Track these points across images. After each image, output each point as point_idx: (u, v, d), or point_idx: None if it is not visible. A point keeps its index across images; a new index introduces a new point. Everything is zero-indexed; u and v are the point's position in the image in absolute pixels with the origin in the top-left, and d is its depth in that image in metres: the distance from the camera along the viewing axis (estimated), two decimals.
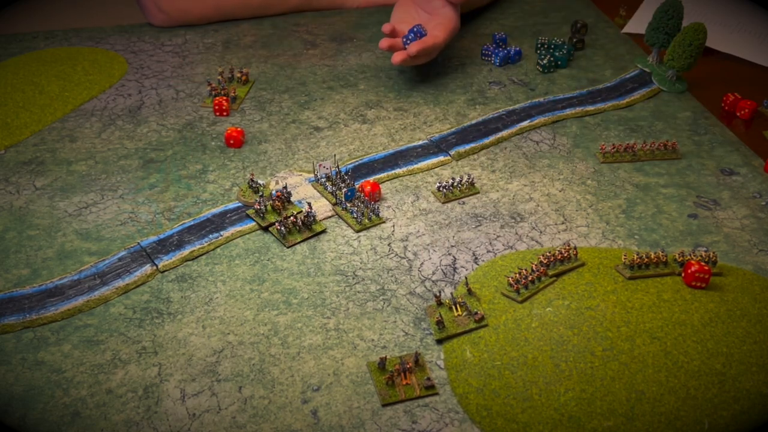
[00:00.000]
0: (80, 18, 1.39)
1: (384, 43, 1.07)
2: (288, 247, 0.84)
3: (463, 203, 0.91)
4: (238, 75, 1.12)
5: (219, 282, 0.80)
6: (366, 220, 0.87)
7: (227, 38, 1.25)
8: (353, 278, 0.80)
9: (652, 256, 0.79)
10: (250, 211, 0.88)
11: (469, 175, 0.93)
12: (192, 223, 0.87)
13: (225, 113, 1.06)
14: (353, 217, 0.87)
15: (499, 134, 1.02)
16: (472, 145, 1.00)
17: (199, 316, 0.76)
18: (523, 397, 0.67)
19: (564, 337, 0.72)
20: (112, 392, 0.68)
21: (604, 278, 0.78)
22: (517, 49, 1.20)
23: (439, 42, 1.07)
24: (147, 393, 0.68)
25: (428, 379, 0.69)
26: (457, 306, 0.75)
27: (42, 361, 0.71)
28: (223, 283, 0.80)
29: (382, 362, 0.70)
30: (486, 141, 1.01)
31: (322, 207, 0.89)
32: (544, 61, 1.16)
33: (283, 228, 0.85)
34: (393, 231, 0.87)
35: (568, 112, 1.07)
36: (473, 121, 1.05)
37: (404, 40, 1.08)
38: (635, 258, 0.79)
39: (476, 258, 0.83)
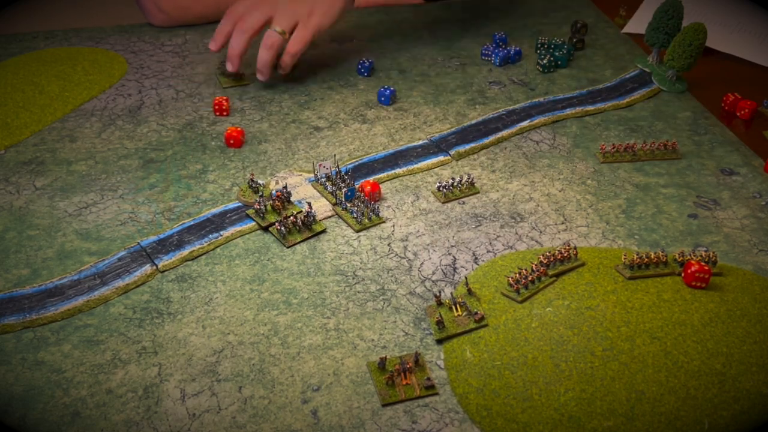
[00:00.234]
0: (80, 18, 1.39)
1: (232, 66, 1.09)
2: (288, 247, 0.84)
3: (463, 203, 0.91)
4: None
5: (219, 282, 0.80)
6: (366, 220, 0.87)
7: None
8: (353, 278, 0.80)
9: (652, 256, 0.79)
10: (250, 211, 0.88)
11: (469, 175, 0.93)
12: (192, 223, 0.87)
13: (225, 113, 1.06)
14: (353, 217, 0.87)
15: (499, 134, 1.02)
16: (472, 145, 1.00)
17: (199, 316, 0.76)
18: (523, 397, 0.67)
19: (564, 337, 0.72)
20: (112, 392, 0.68)
21: (604, 278, 0.78)
22: (517, 49, 1.20)
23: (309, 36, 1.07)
24: (147, 393, 0.68)
25: (428, 379, 0.69)
26: (457, 306, 0.75)
27: (42, 361, 0.71)
28: (223, 283, 0.80)
29: (382, 362, 0.70)
30: (486, 141, 1.01)
31: (322, 207, 0.89)
32: (544, 61, 1.16)
33: (283, 228, 0.85)
34: (393, 231, 0.87)
35: (568, 112, 1.07)
36: (473, 121, 1.05)
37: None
38: (635, 258, 0.79)
39: (476, 258, 0.83)
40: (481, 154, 0.99)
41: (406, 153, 0.99)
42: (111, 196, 0.91)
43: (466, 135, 1.02)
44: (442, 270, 0.82)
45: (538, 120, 1.05)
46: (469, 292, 0.77)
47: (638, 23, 1.29)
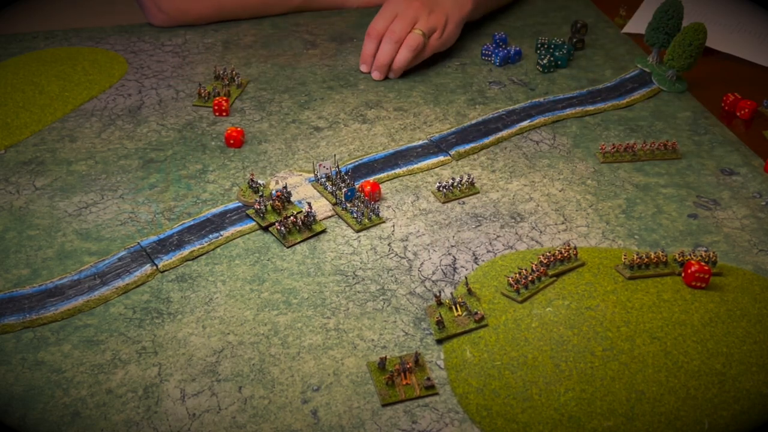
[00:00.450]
0: (80, 18, 1.39)
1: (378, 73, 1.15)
2: (288, 247, 0.84)
3: (463, 203, 0.91)
4: (234, 74, 1.11)
5: (219, 282, 0.80)
6: (366, 220, 0.87)
7: (227, 38, 1.25)
8: (353, 278, 0.80)
9: (652, 256, 0.79)
10: (250, 211, 0.88)
11: (469, 175, 0.93)
12: (192, 223, 0.87)
13: (225, 113, 1.06)
14: (353, 217, 0.87)
15: (499, 134, 1.02)
16: (472, 145, 1.00)
17: (199, 316, 0.76)
18: (523, 397, 0.67)
19: (564, 337, 0.72)
20: (112, 392, 0.68)
21: (604, 278, 0.78)
22: (517, 49, 1.20)
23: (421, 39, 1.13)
24: (147, 393, 0.68)
25: (428, 379, 0.69)
26: (457, 306, 0.75)
27: (42, 361, 0.71)
28: (223, 283, 0.80)
29: (382, 362, 0.70)
30: (486, 141, 1.01)
31: (322, 207, 0.89)
32: (544, 61, 1.16)
33: (283, 228, 0.85)
34: (393, 231, 0.87)
35: (568, 112, 1.07)
36: (473, 121, 1.05)
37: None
38: (635, 258, 0.79)
39: (476, 258, 0.83)
40: (481, 154, 1.00)
41: (406, 153, 0.99)
42: (111, 196, 0.91)
43: (466, 135, 1.02)
44: (442, 270, 0.82)
45: (538, 120, 1.05)
46: (469, 292, 0.77)
47: (638, 23, 1.29)
